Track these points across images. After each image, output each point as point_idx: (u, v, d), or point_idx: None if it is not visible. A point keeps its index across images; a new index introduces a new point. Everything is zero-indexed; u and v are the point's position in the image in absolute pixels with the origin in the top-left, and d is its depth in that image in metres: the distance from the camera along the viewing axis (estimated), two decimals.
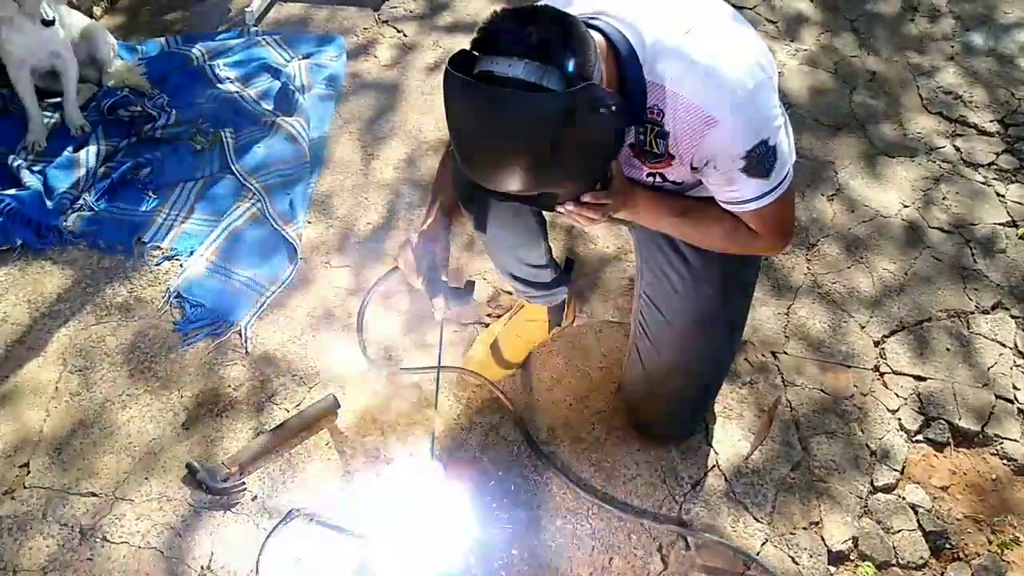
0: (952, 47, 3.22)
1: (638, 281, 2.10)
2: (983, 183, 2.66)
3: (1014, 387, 2.10)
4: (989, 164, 2.72)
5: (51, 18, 2.50)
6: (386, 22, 3.34)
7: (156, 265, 2.36)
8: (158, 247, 2.41)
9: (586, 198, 1.48)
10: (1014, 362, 2.16)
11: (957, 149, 2.78)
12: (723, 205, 1.59)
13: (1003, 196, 2.61)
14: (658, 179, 1.63)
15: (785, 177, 1.52)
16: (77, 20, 2.82)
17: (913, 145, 2.79)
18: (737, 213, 1.58)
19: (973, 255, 2.43)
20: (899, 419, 2.04)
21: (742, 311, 1.95)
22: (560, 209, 1.51)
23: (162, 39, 3.17)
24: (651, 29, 1.43)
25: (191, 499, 1.86)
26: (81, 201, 2.48)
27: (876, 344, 2.20)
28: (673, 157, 1.53)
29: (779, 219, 1.61)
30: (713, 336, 1.88)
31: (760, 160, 1.46)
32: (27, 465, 1.92)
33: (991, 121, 2.88)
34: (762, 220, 1.58)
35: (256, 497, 1.87)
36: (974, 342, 2.21)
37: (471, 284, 1.73)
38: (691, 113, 1.43)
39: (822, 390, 2.09)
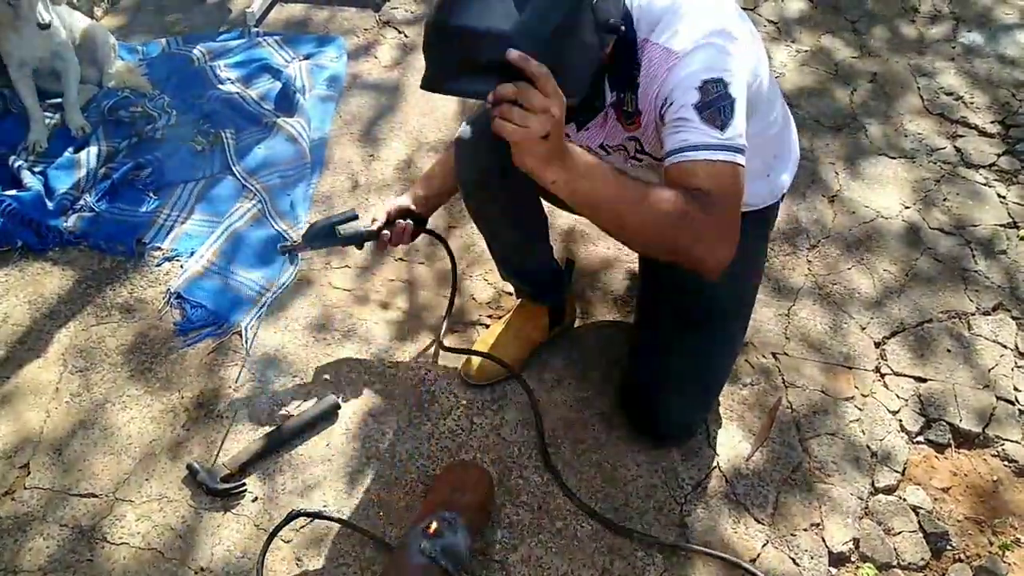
0: (952, 48, 3.22)
1: (641, 279, 2.10)
2: (984, 184, 2.66)
3: (1015, 388, 2.10)
4: (990, 165, 2.72)
5: (47, 22, 2.49)
6: (387, 23, 3.34)
7: (157, 266, 2.36)
8: (159, 248, 2.40)
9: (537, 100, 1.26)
10: (1015, 363, 2.16)
11: (957, 150, 2.78)
12: (666, 163, 1.46)
13: (1004, 197, 2.61)
14: (635, 148, 1.66)
15: (739, 149, 1.43)
16: (78, 21, 2.82)
17: (914, 146, 2.79)
18: (680, 167, 1.43)
19: (974, 256, 2.43)
20: (900, 420, 2.04)
21: (745, 311, 1.95)
22: (491, 100, 1.26)
23: (163, 40, 3.17)
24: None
25: (191, 500, 1.86)
26: (82, 202, 2.48)
27: (877, 345, 2.20)
28: (641, 113, 1.55)
29: (731, 194, 1.44)
30: (716, 335, 1.88)
31: (716, 101, 1.41)
32: (27, 466, 1.92)
33: (991, 122, 2.88)
34: (712, 179, 1.41)
35: (256, 498, 1.87)
36: (975, 343, 2.21)
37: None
38: (659, 55, 1.47)
39: (823, 391, 2.09)
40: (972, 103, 2.96)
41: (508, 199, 1.80)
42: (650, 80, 1.49)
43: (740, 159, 1.43)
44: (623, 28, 1.37)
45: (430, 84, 1.34)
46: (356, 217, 1.95)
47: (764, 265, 2.00)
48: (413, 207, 1.98)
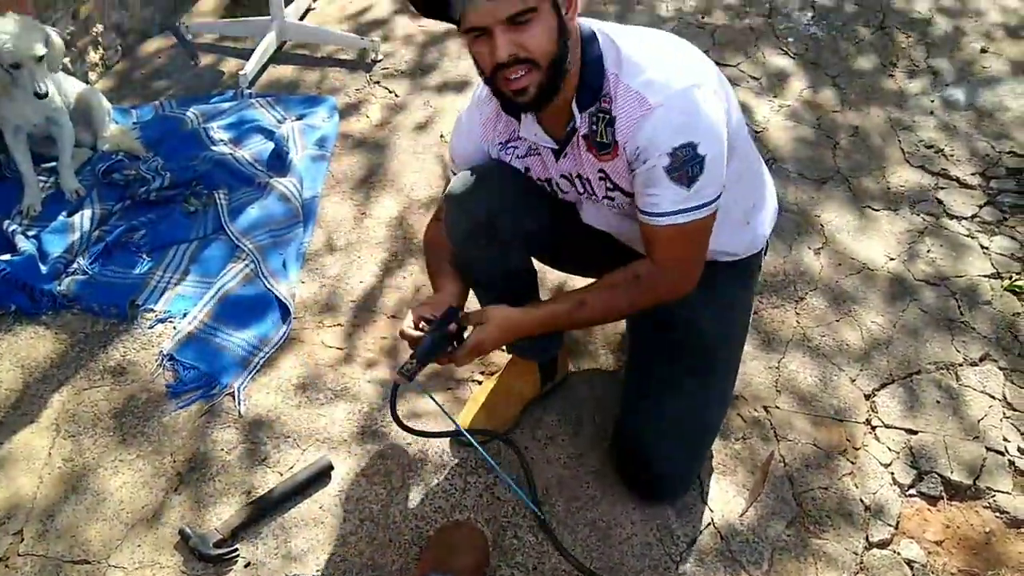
0: (931, 101, 3.29)
1: (629, 332, 2.12)
2: (967, 235, 2.70)
3: (1004, 439, 2.12)
4: (972, 216, 2.77)
5: (44, 92, 2.53)
6: (377, 82, 3.39)
7: (149, 328, 2.37)
8: (152, 310, 2.42)
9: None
10: (1003, 414, 2.18)
11: (940, 202, 2.82)
12: (640, 218, 1.66)
13: (987, 248, 2.65)
14: (609, 185, 1.71)
15: (706, 204, 1.60)
16: (73, 86, 2.86)
17: (896, 198, 2.84)
18: (649, 228, 1.65)
19: (959, 307, 2.46)
20: (892, 473, 2.05)
21: (734, 360, 1.97)
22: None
23: (156, 103, 3.21)
24: (621, 36, 1.62)
25: (184, 566, 1.85)
26: (75, 265, 2.49)
27: (867, 397, 2.22)
28: (618, 144, 1.62)
29: (692, 249, 1.69)
30: (705, 384, 1.90)
31: (685, 163, 1.55)
32: (20, 533, 1.91)
33: (972, 174, 2.93)
34: (673, 242, 1.64)
35: (249, 563, 1.86)
36: (963, 394, 2.23)
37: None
38: (632, 97, 1.57)
39: (815, 444, 2.10)
40: (952, 156, 3.01)
41: (496, 252, 1.83)
42: (625, 122, 1.58)
43: (705, 211, 1.60)
44: None
45: None
46: (453, 313, 1.76)
47: (751, 314, 2.03)
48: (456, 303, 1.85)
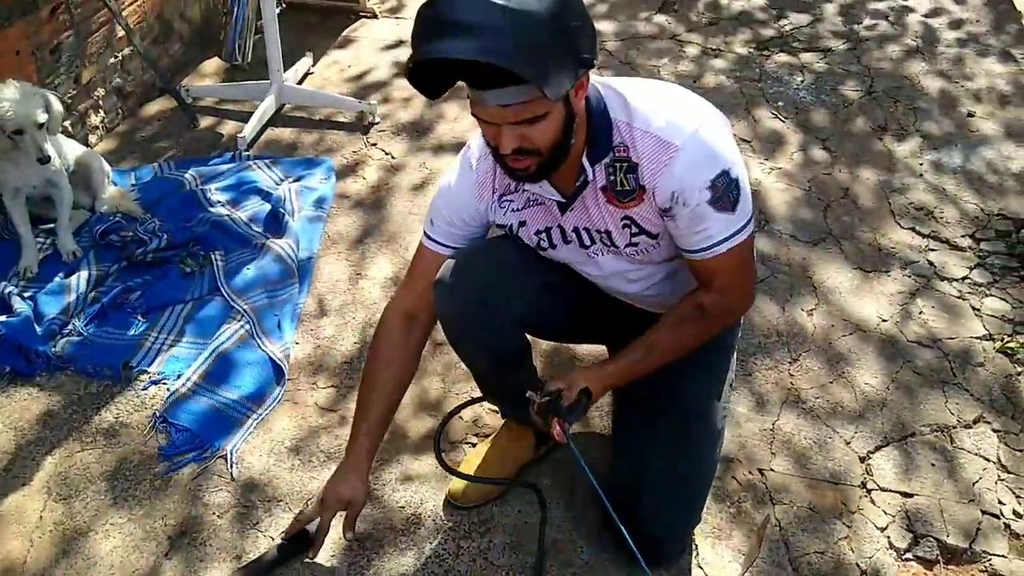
0: (921, 164, 3.34)
1: (614, 396, 2.13)
2: (958, 297, 2.72)
3: (999, 502, 2.11)
4: (963, 278, 2.79)
5: (47, 157, 2.56)
6: (374, 144, 3.44)
7: (143, 390, 2.37)
8: (145, 371, 2.42)
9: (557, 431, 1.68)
10: (998, 476, 2.17)
11: (931, 263, 2.85)
12: (692, 257, 1.69)
13: (978, 310, 2.67)
14: (633, 230, 1.71)
15: (750, 219, 1.65)
16: (72, 148, 2.90)
17: (888, 259, 2.86)
18: (707, 262, 1.67)
19: (952, 369, 2.47)
20: (888, 537, 2.03)
21: (719, 418, 1.96)
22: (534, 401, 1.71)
23: (155, 165, 3.25)
24: (618, 83, 1.66)
25: None
26: (70, 326, 2.50)
27: (862, 460, 2.22)
28: (644, 189, 1.63)
29: (748, 267, 1.75)
30: (690, 447, 1.89)
31: (725, 190, 1.59)
32: None
33: (962, 236, 2.96)
34: (731, 264, 1.67)
35: None
36: (958, 457, 2.23)
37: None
38: (653, 142, 1.60)
39: (810, 508, 2.09)
40: (942, 217, 3.05)
41: (488, 331, 1.83)
42: (650, 166, 1.60)
43: (750, 228, 1.66)
44: (595, 63, 1.47)
45: (417, 58, 1.43)
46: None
47: (731, 372, 2.03)
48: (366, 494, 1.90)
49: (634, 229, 1.71)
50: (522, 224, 1.81)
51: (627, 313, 1.97)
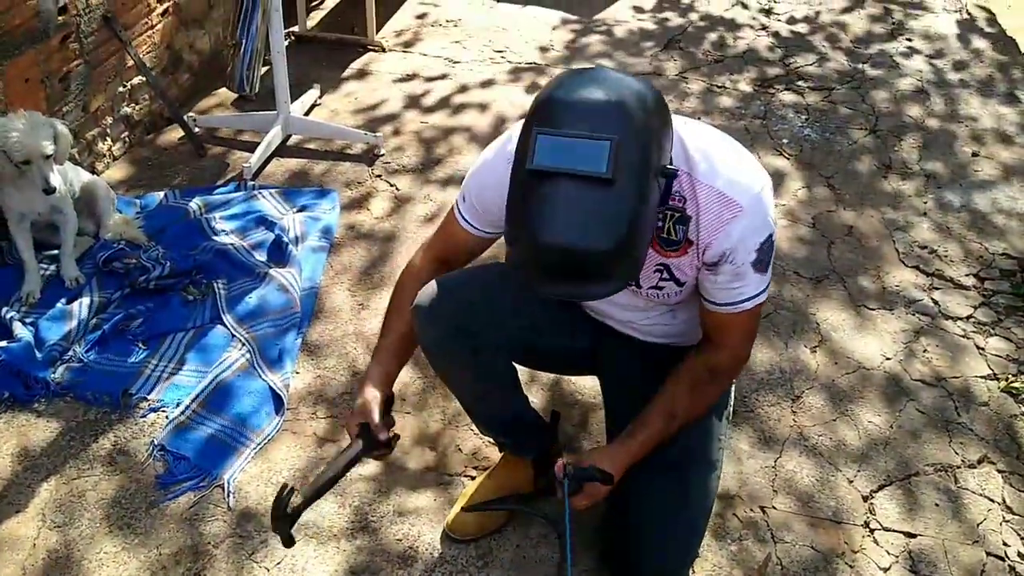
0: (925, 203, 3.34)
1: (607, 433, 2.10)
2: (962, 336, 2.70)
3: (1004, 544, 2.08)
4: (967, 317, 2.78)
5: (53, 187, 2.57)
6: (379, 176, 3.45)
7: (142, 417, 2.36)
8: (145, 399, 2.41)
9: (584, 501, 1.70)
10: (1003, 517, 2.15)
11: (935, 302, 2.84)
12: (718, 310, 1.69)
13: (983, 349, 2.65)
14: (664, 276, 1.71)
15: (769, 282, 1.69)
16: (78, 176, 2.91)
17: (892, 298, 2.85)
18: (730, 316, 1.68)
19: (956, 408, 2.45)
20: None
21: (715, 454, 1.93)
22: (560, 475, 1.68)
23: (161, 193, 3.26)
24: (682, 132, 1.60)
25: None
26: (71, 353, 2.49)
27: (865, 499, 2.19)
28: (691, 243, 1.63)
29: (758, 322, 1.77)
30: (687, 484, 1.86)
31: (767, 253, 1.62)
32: None
33: (966, 275, 2.96)
34: (748, 321, 1.71)
35: None
36: (962, 497, 2.20)
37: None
38: (716, 198, 1.57)
39: (812, 547, 2.07)
40: (947, 256, 3.04)
41: (472, 358, 1.82)
42: (709, 222, 1.59)
43: (768, 290, 1.69)
44: (676, 170, 1.44)
45: (537, 290, 1.44)
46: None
47: (729, 407, 2.01)
48: (380, 400, 1.80)
49: (665, 275, 1.71)
50: None
51: (618, 343, 1.96)
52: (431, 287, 1.80)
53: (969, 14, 5.04)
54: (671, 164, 1.45)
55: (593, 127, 1.33)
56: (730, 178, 1.57)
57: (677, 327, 1.88)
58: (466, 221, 1.83)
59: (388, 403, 1.81)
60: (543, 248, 1.35)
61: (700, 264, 1.65)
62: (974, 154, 3.67)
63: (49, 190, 2.57)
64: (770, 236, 1.61)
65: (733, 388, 2.05)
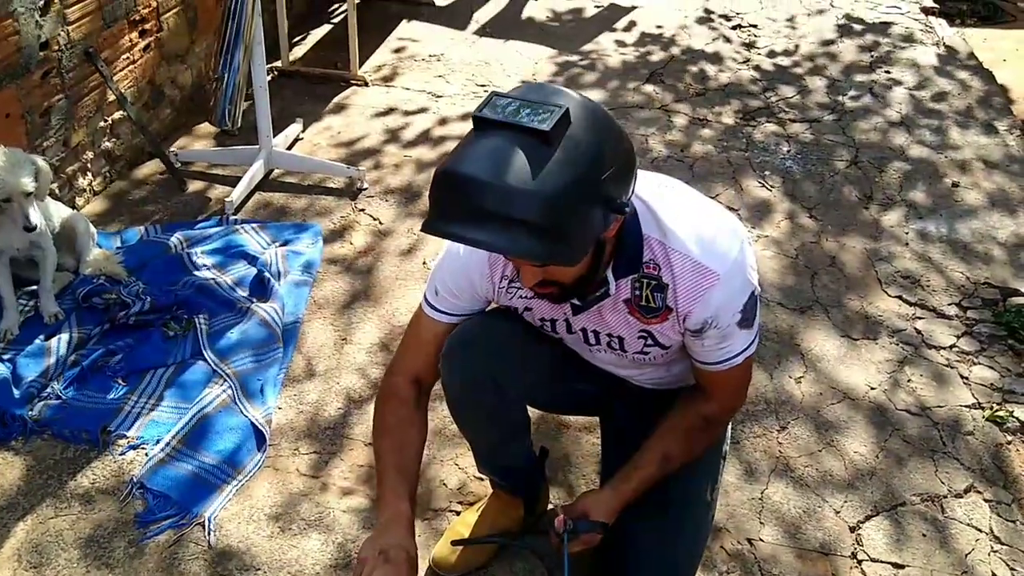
0: (907, 233, 3.36)
1: (602, 466, 2.09)
2: (947, 365, 2.71)
3: (993, 574, 2.07)
4: (951, 346, 2.78)
5: (33, 226, 2.55)
6: (362, 210, 3.45)
7: (121, 454, 2.32)
8: (124, 436, 2.37)
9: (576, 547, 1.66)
10: (991, 548, 2.14)
11: (918, 331, 2.84)
12: (708, 368, 1.68)
13: (967, 378, 2.65)
14: (648, 342, 1.69)
15: (758, 334, 1.68)
16: (58, 210, 2.89)
17: (875, 327, 2.86)
18: (720, 373, 1.67)
19: (942, 438, 2.45)
20: None
21: (709, 492, 1.92)
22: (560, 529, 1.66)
23: (141, 228, 3.24)
24: (648, 193, 1.57)
25: None
26: (49, 389, 2.46)
27: (852, 530, 2.18)
28: (671, 310, 1.60)
29: (751, 372, 1.76)
30: (681, 517, 1.84)
31: (751, 310, 1.60)
32: None
33: (949, 304, 2.97)
34: (740, 374, 1.70)
35: None
36: (949, 527, 2.19)
37: None
38: (691, 268, 1.55)
39: None
40: (929, 286, 3.05)
41: (496, 407, 1.80)
42: (685, 291, 1.56)
43: (758, 341, 1.68)
44: (627, 209, 1.39)
45: (430, 227, 1.35)
46: None
47: (726, 446, 1.99)
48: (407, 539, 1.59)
49: (649, 341, 1.69)
50: (528, 310, 1.76)
51: (622, 390, 1.95)
52: (458, 335, 1.74)
53: (947, 47, 5.11)
54: (628, 210, 1.40)
55: (549, 100, 1.32)
56: (704, 246, 1.55)
57: (674, 376, 1.88)
58: (443, 314, 1.77)
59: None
60: (446, 175, 1.30)
61: (682, 330, 1.63)
62: (955, 184, 3.69)
63: (30, 227, 2.55)
64: (752, 294, 1.59)
65: (730, 428, 2.03)
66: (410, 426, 1.76)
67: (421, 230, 1.37)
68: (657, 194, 1.60)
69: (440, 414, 2.44)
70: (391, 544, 1.51)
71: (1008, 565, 2.09)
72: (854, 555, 2.12)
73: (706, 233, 1.56)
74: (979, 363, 2.72)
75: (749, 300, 1.58)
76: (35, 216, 2.56)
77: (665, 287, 1.58)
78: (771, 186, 3.66)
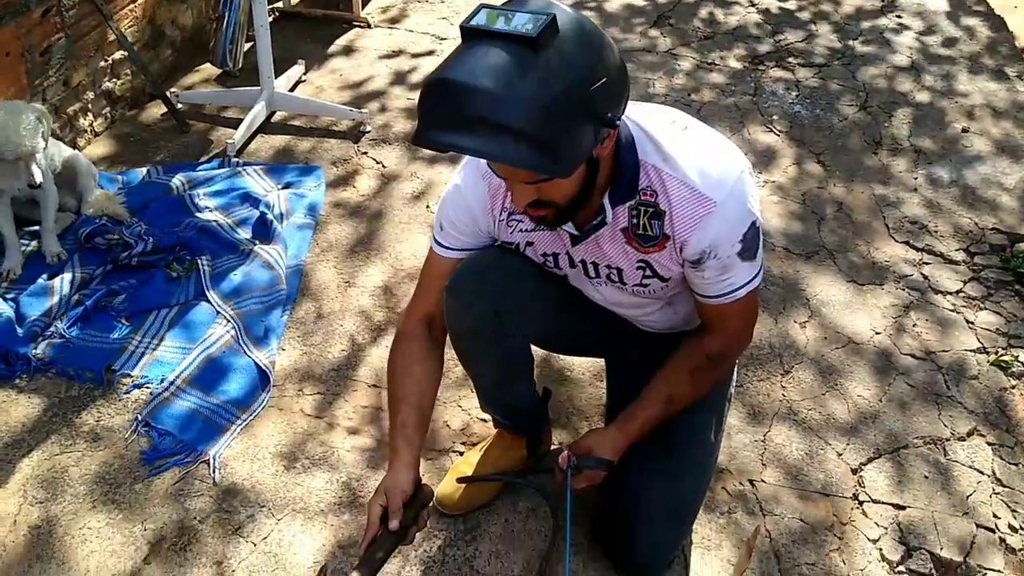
0: (915, 178, 3.33)
1: (607, 410, 2.09)
2: (952, 310, 2.70)
3: (994, 516, 2.08)
4: (957, 292, 2.77)
5: (39, 183, 2.53)
6: (366, 153, 3.41)
7: (125, 393, 2.33)
8: (128, 375, 2.37)
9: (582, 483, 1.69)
10: (992, 490, 2.14)
11: (925, 277, 2.83)
12: (710, 302, 1.66)
13: (972, 323, 2.64)
14: (647, 273, 1.67)
15: (762, 263, 1.65)
16: (59, 151, 2.86)
17: (882, 273, 2.84)
18: (724, 307, 1.65)
19: (946, 382, 2.44)
20: (880, 549, 2.00)
21: (715, 435, 1.92)
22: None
23: (143, 169, 3.22)
24: (648, 121, 1.56)
25: None
26: (52, 328, 2.46)
27: (854, 472, 2.18)
28: (668, 238, 1.59)
29: (756, 308, 1.75)
30: (686, 460, 1.85)
31: (752, 241, 1.57)
32: None
33: (956, 250, 2.95)
34: (744, 308, 1.68)
35: None
36: (952, 470, 2.20)
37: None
38: (688, 194, 1.53)
39: (801, 520, 2.06)
40: (937, 231, 3.03)
41: (499, 344, 1.79)
42: (682, 218, 1.55)
43: (761, 275, 1.66)
44: (618, 123, 1.38)
45: (419, 137, 1.33)
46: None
47: (731, 387, 2.00)
48: (412, 482, 1.65)
49: (648, 272, 1.68)
50: (529, 244, 1.75)
51: (627, 330, 1.94)
52: (463, 270, 1.73)
53: None
54: (620, 125, 1.40)
55: (537, 9, 1.29)
56: (702, 172, 1.53)
57: (680, 317, 1.87)
58: (451, 250, 1.77)
59: (418, 489, 1.65)
60: (433, 83, 1.29)
61: (681, 260, 1.62)
62: (964, 130, 3.65)
63: (34, 186, 2.53)
64: (753, 224, 1.56)
65: (735, 372, 2.03)
66: (421, 367, 1.77)
67: (411, 142, 1.37)
68: (657, 122, 1.58)
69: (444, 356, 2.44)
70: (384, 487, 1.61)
71: (1009, 506, 2.10)
72: (855, 496, 2.12)
73: (705, 161, 1.54)
74: (985, 308, 2.71)
75: (750, 230, 1.56)
76: (39, 175, 2.54)
77: (662, 214, 1.56)
78: (778, 131, 3.62)
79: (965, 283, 2.81)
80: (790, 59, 4.22)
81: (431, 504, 1.78)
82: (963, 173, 3.37)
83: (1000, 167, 3.42)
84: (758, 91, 3.93)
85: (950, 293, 2.77)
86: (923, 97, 3.92)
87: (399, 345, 1.81)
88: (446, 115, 1.28)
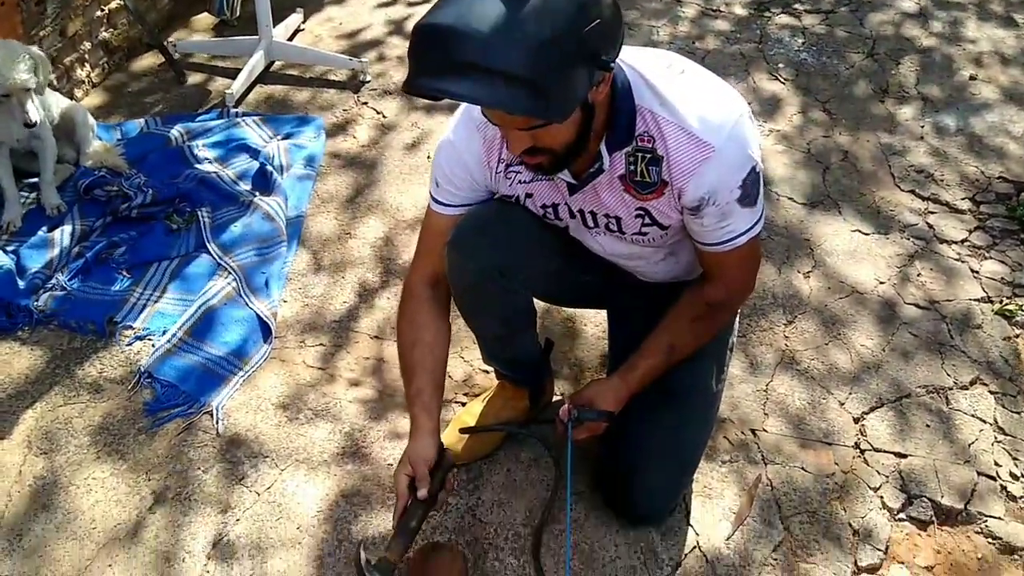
0: (922, 127, 3.29)
1: (610, 360, 2.09)
2: (957, 260, 2.68)
3: (996, 464, 2.08)
4: (962, 241, 2.75)
5: (34, 122, 2.50)
6: (365, 103, 3.38)
7: (128, 345, 2.33)
8: (130, 327, 2.37)
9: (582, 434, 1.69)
10: (994, 438, 2.15)
11: (930, 226, 2.81)
12: (710, 250, 1.64)
13: (977, 272, 2.63)
14: (646, 221, 1.65)
15: (763, 210, 1.62)
16: (57, 102, 2.83)
17: (887, 222, 2.82)
18: (724, 254, 1.63)
19: (950, 331, 2.44)
20: (881, 497, 2.01)
21: (716, 385, 1.92)
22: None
23: (141, 120, 3.19)
24: (645, 65, 1.53)
25: None
26: (53, 280, 2.45)
27: (856, 421, 2.19)
28: (666, 184, 1.56)
29: (757, 256, 1.72)
30: (688, 411, 1.85)
31: (752, 187, 1.55)
32: None
33: (962, 199, 2.92)
34: (745, 255, 1.65)
35: None
36: (954, 418, 2.20)
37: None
38: (685, 139, 1.51)
39: (803, 468, 2.06)
40: (943, 180, 3.00)
41: (502, 298, 1.78)
42: (679, 164, 1.52)
43: (762, 222, 1.63)
44: (612, 66, 1.34)
45: (410, 85, 1.32)
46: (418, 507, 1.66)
47: (733, 336, 1.99)
48: (435, 449, 1.70)
49: (647, 220, 1.65)
50: (528, 196, 1.72)
51: (629, 282, 1.93)
52: (465, 224, 1.71)
53: None
54: (614, 68, 1.35)
55: None
56: (700, 116, 1.50)
57: (681, 267, 1.85)
58: (448, 206, 1.74)
59: (441, 454, 1.69)
60: (423, 28, 1.27)
61: (680, 207, 1.59)
62: (972, 78, 3.60)
63: (30, 124, 2.50)
64: (753, 169, 1.53)
65: (737, 321, 2.02)
66: (430, 333, 1.77)
67: (402, 90, 1.35)
68: (654, 66, 1.55)
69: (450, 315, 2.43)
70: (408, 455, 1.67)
71: (1011, 454, 2.10)
72: (857, 445, 2.13)
73: (703, 105, 1.51)
74: (990, 257, 2.69)
75: (749, 176, 1.53)
76: (34, 112, 2.51)
77: (660, 160, 1.54)
78: (784, 79, 3.58)
79: (970, 232, 2.79)
80: (796, 5, 4.16)
81: (456, 468, 1.79)
82: (970, 121, 3.33)
83: (1008, 115, 3.37)
84: (763, 38, 3.87)
85: (955, 242, 2.75)
86: (930, 44, 3.86)
87: (405, 309, 1.80)
88: (437, 61, 1.26)
